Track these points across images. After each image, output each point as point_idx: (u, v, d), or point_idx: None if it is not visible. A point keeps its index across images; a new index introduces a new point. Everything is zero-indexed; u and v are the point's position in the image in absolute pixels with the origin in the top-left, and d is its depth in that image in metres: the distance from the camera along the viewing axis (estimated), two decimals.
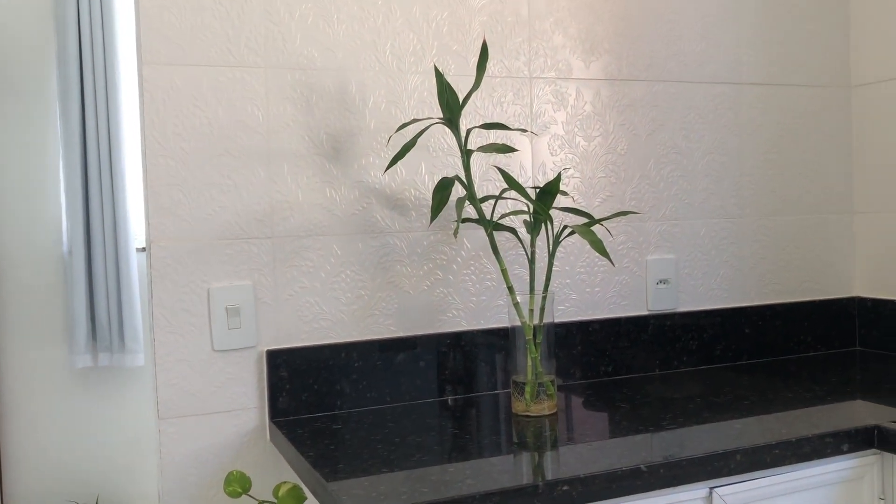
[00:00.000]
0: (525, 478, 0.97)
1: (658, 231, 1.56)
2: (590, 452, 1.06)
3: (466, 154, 1.22)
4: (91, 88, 2.60)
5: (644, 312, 1.55)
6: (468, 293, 1.41)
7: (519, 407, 1.26)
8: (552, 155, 1.47)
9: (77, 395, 2.72)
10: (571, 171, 1.49)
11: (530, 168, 1.46)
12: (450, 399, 1.37)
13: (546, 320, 1.27)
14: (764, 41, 1.65)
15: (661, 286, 1.56)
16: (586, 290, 1.50)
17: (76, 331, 2.60)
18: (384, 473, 1.00)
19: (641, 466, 1.00)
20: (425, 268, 1.38)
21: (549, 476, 0.97)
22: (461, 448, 1.10)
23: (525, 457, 1.06)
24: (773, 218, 1.67)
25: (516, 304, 1.25)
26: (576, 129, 1.49)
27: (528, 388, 1.25)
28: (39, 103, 2.68)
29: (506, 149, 1.16)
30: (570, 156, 1.49)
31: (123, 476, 2.78)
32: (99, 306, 2.63)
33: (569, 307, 1.49)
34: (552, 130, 1.47)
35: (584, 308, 1.50)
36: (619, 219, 1.53)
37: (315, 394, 1.30)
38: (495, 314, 1.43)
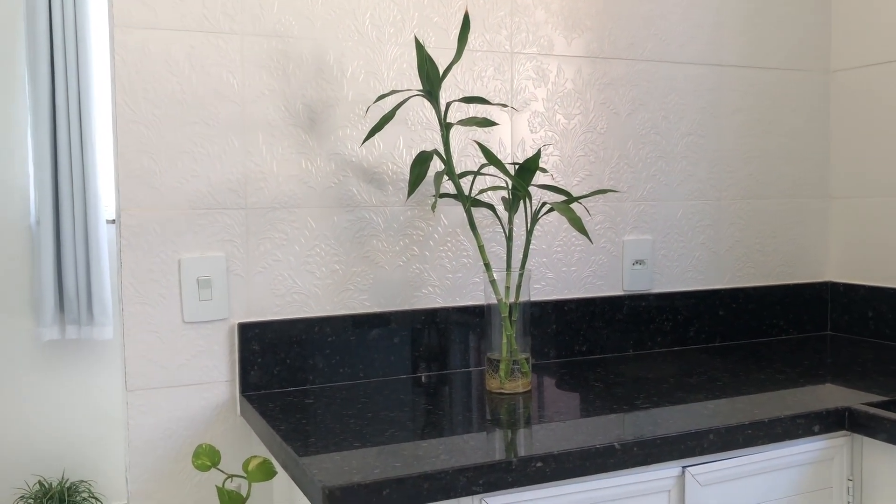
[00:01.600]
0: (498, 454, 0.96)
1: (635, 212, 1.56)
2: (563, 430, 1.05)
3: (446, 127, 1.20)
4: (61, 53, 2.53)
5: (619, 293, 1.55)
6: (444, 270, 1.40)
7: (493, 384, 1.25)
8: (532, 132, 1.46)
9: (44, 368, 2.68)
10: (551, 148, 1.47)
11: (510, 145, 1.44)
12: (423, 376, 1.36)
13: (522, 298, 1.26)
14: (745, 23, 1.64)
15: (637, 267, 1.56)
16: (562, 269, 1.50)
17: (43, 303, 2.56)
18: (356, 448, 0.99)
19: (615, 444, 1.00)
20: (401, 243, 1.36)
21: (523, 452, 0.96)
22: (434, 424, 1.09)
23: (499, 433, 1.05)
24: (749, 201, 1.67)
25: (492, 281, 1.24)
26: (556, 107, 1.48)
27: (502, 366, 1.24)
28: (6, 68, 2.61)
29: (486, 122, 1.15)
30: (549, 133, 1.47)
31: (90, 450, 2.74)
32: (67, 278, 2.58)
33: (545, 286, 1.48)
34: (532, 107, 1.46)
35: (560, 287, 1.49)
36: (596, 198, 1.52)
37: (287, 368, 1.28)
38: (471, 291, 1.42)
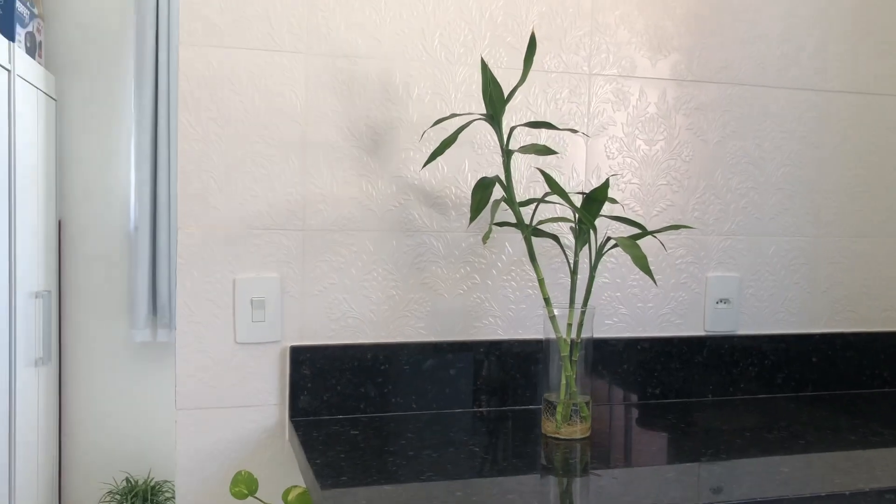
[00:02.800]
0: None
1: (721, 247, 1.45)
2: (614, 486, 0.97)
3: (507, 154, 1.14)
4: (165, 70, 2.62)
5: (700, 333, 1.44)
6: (507, 300, 1.33)
7: (549, 427, 1.18)
8: (609, 158, 1.38)
9: (136, 368, 2.77)
10: (629, 176, 1.39)
11: (583, 171, 1.37)
12: (479, 411, 1.30)
13: (585, 335, 1.18)
14: (852, 45, 1.50)
15: (721, 306, 1.44)
16: (637, 305, 1.40)
17: (137, 306, 2.64)
18: (384, 486, 0.94)
19: None
20: (462, 271, 1.31)
21: None
22: (475, 468, 1.03)
23: (543, 483, 0.98)
24: (853, 239, 1.52)
25: (552, 318, 1.16)
26: (637, 132, 1.39)
27: (559, 409, 1.17)
28: (115, 78, 2.72)
29: (546, 150, 1.08)
30: (628, 160, 1.39)
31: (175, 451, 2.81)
32: (161, 283, 2.66)
33: (617, 322, 1.39)
34: (610, 132, 1.38)
35: (633, 324, 1.40)
36: (678, 231, 1.42)
37: (338, 395, 1.25)
38: (535, 324, 1.35)
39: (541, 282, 1.16)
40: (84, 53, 2.70)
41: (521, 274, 1.34)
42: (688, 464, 1.06)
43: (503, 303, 1.33)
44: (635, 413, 1.32)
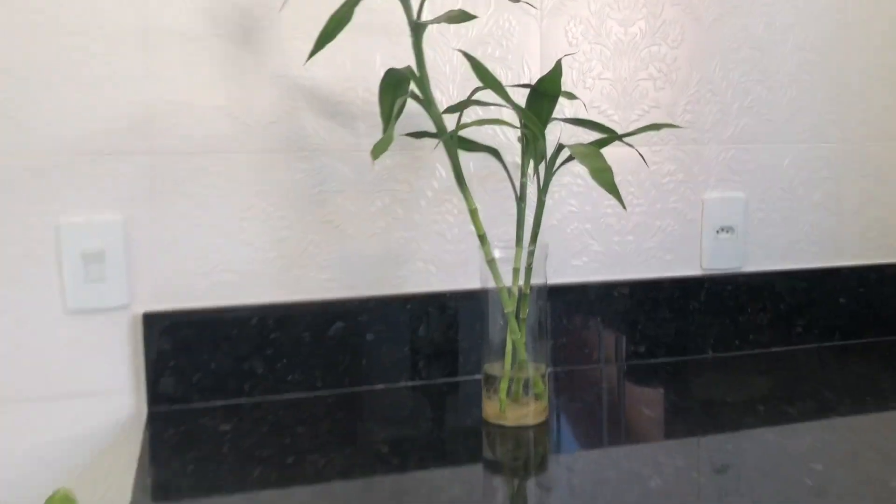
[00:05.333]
0: None
1: (722, 159, 1.11)
2: (575, 499, 0.66)
3: (416, 30, 0.79)
4: None
5: (696, 272, 1.12)
6: (441, 240, 1.01)
7: (490, 411, 0.86)
8: (571, 45, 1.04)
9: None
10: (599, 69, 1.05)
11: (538, 65, 1.03)
12: (408, 387, 0.99)
13: (536, 281, 0.86)
14: None
15: (723, 236, 1.12)
16: (614, 240, 1.08)
17: None
18: None
19: None
20: (379, 203, 0.98)
21: None
22: (373, 481, 0.72)
23: (468, 497, 0.67)
24: (889, 144, 1.19)
25: (490, 262, 0.84)
26: (608, 10, 1.04)
27: (502, 385, 0.85)
28: None
29: (462, 17, 0.73)
30: (597, 47, 1.05)
31: None
32: None
33: (588, 262, 1.07)
34: (571, 10, 1.03)
35: (609, 264, 1.08)
36: (666, 140, 1.09)
37: (212, 374, 0.93)
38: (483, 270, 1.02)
39: (473, 213, 0.83)
40: None
41: (460, 204, 1.01)
42: (680, 465, 0.75)
43: (437, 243, 1.01)
44: (612, 380, 1.01)
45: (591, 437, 0.81)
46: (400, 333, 0.99)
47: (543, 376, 0.86)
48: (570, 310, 1.05)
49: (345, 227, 0.97)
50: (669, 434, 0.82)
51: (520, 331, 0.85)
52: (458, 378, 1.01)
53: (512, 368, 0.85)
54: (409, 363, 0.99)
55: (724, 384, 0.98)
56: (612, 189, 0.69)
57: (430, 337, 1.00)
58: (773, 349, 1.15)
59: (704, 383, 0.99)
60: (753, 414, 0.88)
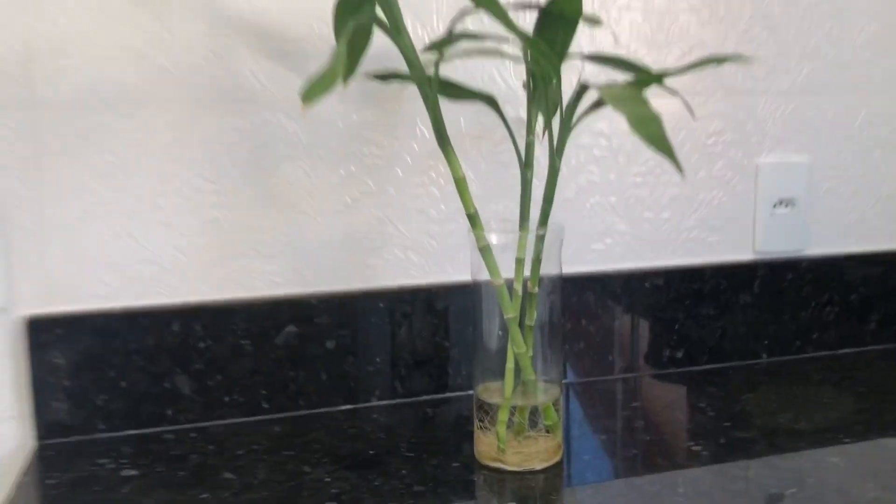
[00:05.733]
0: None
1: (781, 113, 0.88)
2: None
3: None
4: None
5: (748, 256, 0.89)
6: (424, 219, 0.78)
7: (485, 448, 0.64)
8: None
9: None
10: None
11: None
12: (379, 407, 0.77)
13: (549, 272, 0.63)
14: None
15: (781, 211, 0.89)
16: (645, 217, 0.85)
17: None
18: None
19: None
20: (342, 171, 0.76)
21: None
22: None
23: None
24: None
25: (483, 250, 0.61)
26: None
27: (501, 417, 0.63)
28: None
29: None
30: None
31: None
32: None
33: (612, 245, 0.84)
34: None
35: (639, 248, 0.85)
36: (711, 93, 0.85)
37: (122, 397, 0.71)
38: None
39: (459, 183, 0.60)
40: None
41: (447, 173, 0.79)
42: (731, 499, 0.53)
43: (419, 223, 0.78)
44: (644, 396, 0.78)
45: (620, 483, 0.59)
46: (370, 340, 0.77)
47: (557, 402, 0.64)
48: (590, 307, 0.83)
49: (297, 204, 0.75)
50: (719, 470, 0.60)
51: (525, 343, 0.62)
52: (447, 394, 0.79)
53: (514, 393, 0.63)
54: (382, 378, 0.77)
55: (781, 396, 0.76)
56: (662, 144, 0.46)
57: (410, 344, 0.78)
58: (842, 351, 0.92)
59: (761, 401, 0.76)
60: (817, 433, 0.65)
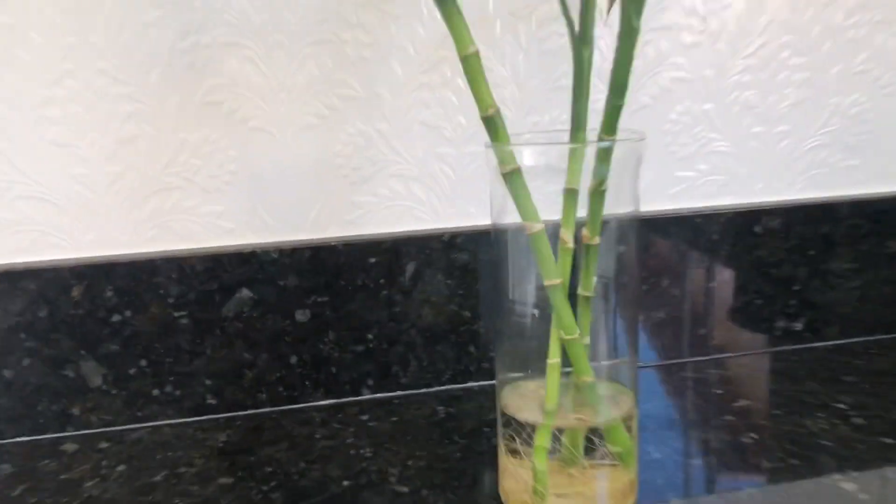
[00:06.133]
0: None
1: None
2: None
3: None
4: None
5: None
6: (434, 135, 0.55)
7: (513, 485, 0.41)
8: None
9: None
10: None
11: None
12: (367, 402, 0.55)
13: (615, 211, 0.39)
14: None
15: None
16: (754, 132, 0.60)
17: None
18: None
19: None
20: (314, 68, 0.52)
21: None
22: None
23: None
24: None
25: (510, 177, 0.37)
26: None
27: (539, 440, 0.39)
28: None
29: None
30: None
31: None
32: None
33: (706, 173, 0.59)
34: None
35: (744, 176, 0.60)
36: None
37: (5, 392, 0.51)
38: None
39: (468, 61, 0.36)
40: None
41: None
42: None
43: (426, 143, 0.55)
44: (751, 388, 0.54)
45: None
46: (358, 310, 0.54)
47: (629, 417, 0.40)
48: (674, 262, 0.58)
49: (248, 116, 0.52)
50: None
51: (579, 325, 0.39)
52: (469, 384, 0.57)
53: (560, 402, 0.40)
54: (374, 364, 0.55)
55: None
56: None
57: (414, 315, 0.55)
58: None
59: None
60: None
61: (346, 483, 0.44)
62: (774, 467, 0.44)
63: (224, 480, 0.45)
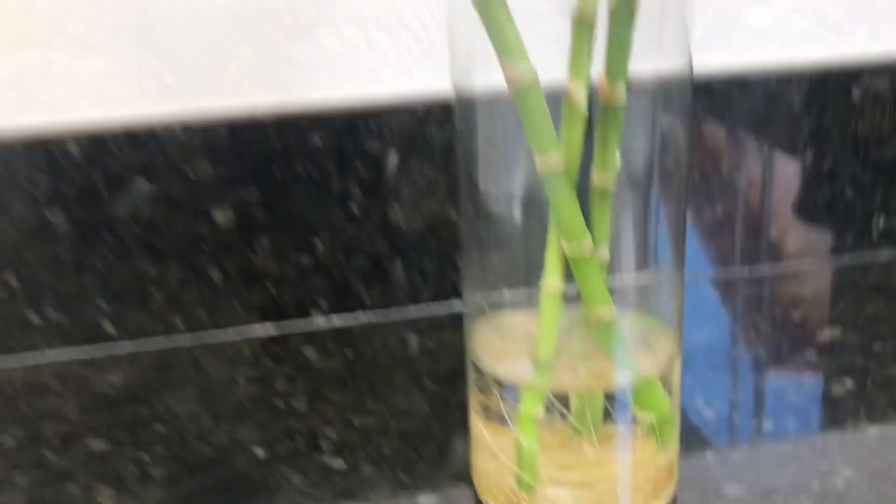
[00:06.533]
0: None
1: None
2: None
3: None
4: None
5: None
6: None
7: (487, 471, 0.28)
8: None
9: None
10: None
11: None
12: (264, 341, 0.41)
13: (647, 66, 0.24)
14: None
15: None
16: None
17: None
18: None
19: None
20: None
21: None
22: None
23: None
24: None
25: (485, 3, 0.22)
26: None
27: (527, 407, 0.25)
28: None
29: None
30: None
31: None
32: None
33: (782, 16, 0.43)
34: None
35: (837, 20, 0.43)
36: None
37: None
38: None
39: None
40: None
41: None
42: None
43: None
44: (846, 296, 0.39)
45: None
46: (301, 205, 0.40)
47: (669, 375, 0.26)
48: (736, 137, 0.43)
49: None
50: None
51: (591, 232, 0.24)
52: (452, 302, 0.43)
53: (562, 349, 0.25)
54: (327, 277, 0.41)
55: None
56: None
57: (379, 213, 0.41)
58: None
59: None
60: None
61: (258, 452, 0.31)
62: (880, 433, 0.29)
63: (96, 446, 0.32)
